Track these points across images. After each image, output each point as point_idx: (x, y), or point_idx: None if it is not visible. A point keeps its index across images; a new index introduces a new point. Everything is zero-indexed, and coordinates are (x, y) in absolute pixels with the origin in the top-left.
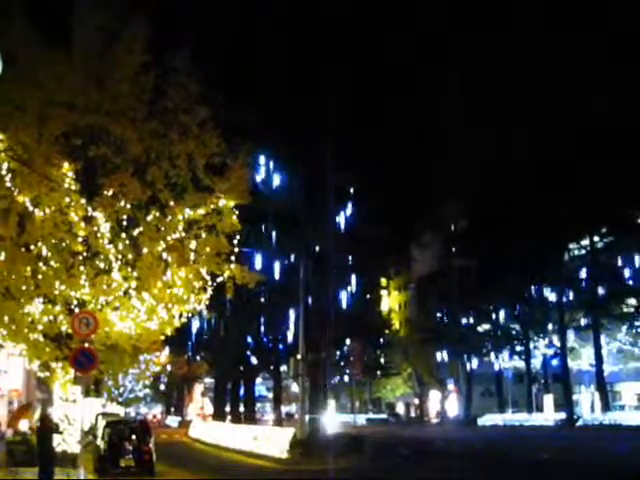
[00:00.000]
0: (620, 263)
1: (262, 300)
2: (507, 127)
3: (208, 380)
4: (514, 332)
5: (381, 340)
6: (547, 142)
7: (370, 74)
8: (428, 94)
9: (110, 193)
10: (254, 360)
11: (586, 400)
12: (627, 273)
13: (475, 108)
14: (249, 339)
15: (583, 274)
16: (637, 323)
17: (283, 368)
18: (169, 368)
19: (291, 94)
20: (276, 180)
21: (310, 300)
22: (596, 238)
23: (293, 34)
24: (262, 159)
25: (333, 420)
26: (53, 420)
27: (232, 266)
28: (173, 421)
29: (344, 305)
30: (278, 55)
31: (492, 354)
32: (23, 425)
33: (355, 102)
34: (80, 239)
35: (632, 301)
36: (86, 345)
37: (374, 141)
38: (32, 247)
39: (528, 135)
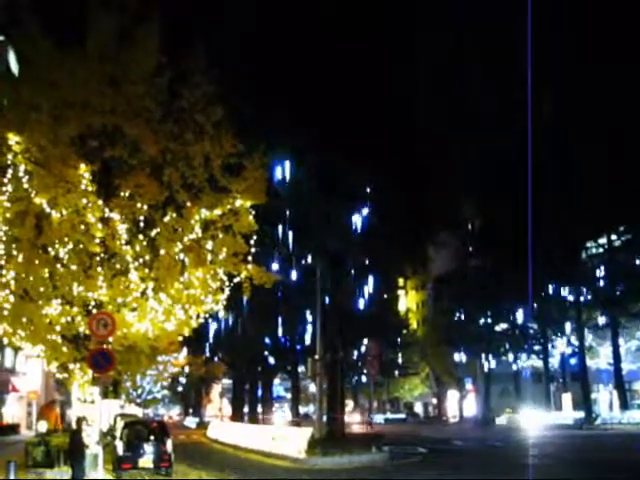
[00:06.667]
0: (638, 261)
1: (279, 301)
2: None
3: (226, 381)
4: (532, 331)
5: (398, 340)
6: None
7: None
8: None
9: (127, 194)
10: (272, 360)
11: (604, 399)
12: None
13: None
14: (267, 340)
15: (600, 272)
16: None
17: (301, 369)
18: (187, 369)
19: (308, 94)
20: (292, 180)
21: (327, 300)
22: (613, 236)
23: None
24: (278, 160)
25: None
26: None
27: (249, 266)
28: (191, 422)
29: (361, 305)
30: (297, 51)
31: (510, 353)
32: (41, 426)
33: (372, 100)
34: (97, 240)
35: None
36: (104, 346)
37: (391, 140)
38: (49, 249)
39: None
